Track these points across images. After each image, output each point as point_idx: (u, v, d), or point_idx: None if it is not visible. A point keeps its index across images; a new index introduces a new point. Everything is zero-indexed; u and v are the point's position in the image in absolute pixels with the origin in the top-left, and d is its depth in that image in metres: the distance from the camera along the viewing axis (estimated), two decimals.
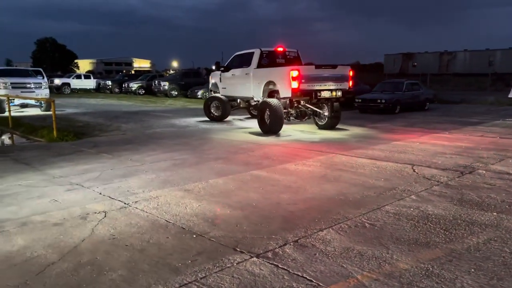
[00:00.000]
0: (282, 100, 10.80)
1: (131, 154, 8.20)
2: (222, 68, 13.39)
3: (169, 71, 71.18)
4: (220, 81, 13.63)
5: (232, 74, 12.95)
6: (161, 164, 7.21)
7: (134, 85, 31.62)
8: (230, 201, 5.22)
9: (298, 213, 4.75)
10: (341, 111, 11.84)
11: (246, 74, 12.17)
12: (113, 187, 5.84)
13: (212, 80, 14.58)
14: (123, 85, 32.50)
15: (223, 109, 13.58)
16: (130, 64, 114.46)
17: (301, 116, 11.54)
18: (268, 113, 10.69)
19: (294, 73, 10.35)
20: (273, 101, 10.70)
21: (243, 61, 12.59)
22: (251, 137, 10.20)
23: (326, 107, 11.47)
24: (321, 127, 11.77)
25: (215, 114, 13.81)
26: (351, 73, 11.28)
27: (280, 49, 12.46)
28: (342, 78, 11.08)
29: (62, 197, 5.45)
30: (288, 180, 6.10)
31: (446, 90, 32.08)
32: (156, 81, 29.09)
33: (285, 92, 10.65)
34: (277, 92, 11.15)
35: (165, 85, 28.04)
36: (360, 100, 16.52)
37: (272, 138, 10.07)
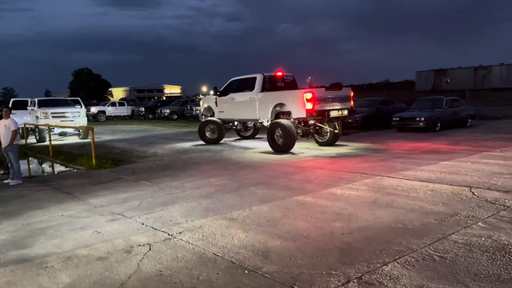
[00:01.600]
0: (291, 121, 11.52)
1: (170, 180, 8.12)
2: (218, 93, 13.90)
3: (199, 95, 72.60)
4: (216, 105, 14.16)
5: (232, 98, 13.47)
6: (202, 191, 7.06)
7: (166, 111, 32.20)
8: (279, 230, 4.90)
9: (355, 244, 4.36)
10: (377, 130, 12.11)
11: (251, 98, 12.79)
12: (155, 217, 5.66)
13: (204, 105, 14.99)
14: (156, 111, 33.17)
15: (219, 132, 14.02)
16: (161, 90, 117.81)
17: (306, 135, 12.30)
18: (280, 133, 11.42)
19: (308, 96, 11.15)
20: (285, 121, 11.39)
21: (244, 86, 13.19)
22: (271, 157, 10.67)
23: (326, 125, 12.29)
24: (321, 144, 12.61)
25: (210, 137, 14.15)
26: (352, 94, 12.31)
27: (280, 73, 13.25)
28: (346, 98, 12.03)
29: (105, 228, 5.30)
30: (337, 207, 5.74)
31: (484, 105, 30.80)
32: (188, 106, 29.50)
33: (298, 113, 11.35)
34: (285, 113, 11.95)
35: (197, 109, 28.38)
36: (397, 119, 15.98)
37: (293, 157, 10.47)
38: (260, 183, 7.52)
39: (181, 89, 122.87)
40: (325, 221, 5.17)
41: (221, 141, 14.33)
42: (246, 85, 13.29)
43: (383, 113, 18.27)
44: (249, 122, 14.01)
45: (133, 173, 9.19)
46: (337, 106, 11.80)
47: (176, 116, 31.58)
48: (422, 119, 15.35)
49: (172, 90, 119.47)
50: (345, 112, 11.92)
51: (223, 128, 14.10)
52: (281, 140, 11.48)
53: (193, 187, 7.38)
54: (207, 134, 14.26)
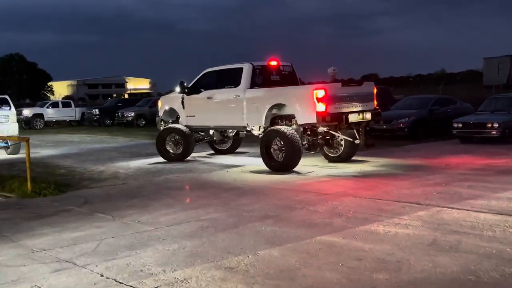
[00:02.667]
0: (294, 127, 11.92)
1: (138, 213, 8.12)
2: (187, 90, 14.19)
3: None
4: (183, 107, 14.45)
5: (208, 98, 13.80)
6: (184, 228, 7.06)
7: (130, 114, 32.42)
8: (298, 285, 4.87)
9: None
10: (431, 140, 12.29)
11: (236, 96, 13.09)
12: (119, 265, 5.64)
13: (165, 107, 15.28)
14: (116, 114, 33.43)
15: (185, 144, 14.20)
16: (122, 85, 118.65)
17: (314, 147, 12.58)
18: (280, 144, 11.72)
19: (320, 93, 11.40)
20: (287, 129, 11.74)
21: (225, 80, 13.71)
22: (273, 179, 10.94)
23: (340, 134, 12.47)
24: (332, 159, 12.93)
25: (173, 152, 14.43)
26: (375, 90, 12.75)
27: (274, 62, 13.66)
28: (368, 97, 12.51)
29: (48, 281, 5.27)
30: (379, 251, 5.73)
31: None
32: None
33: (305, 117, 11.72)
34: (284, 118, 12.43)
35: None
36: (460, 125, 16.04)
37: (302, 179, 10.74)
38: (267, 216, 7.52)
39: (150, 83, 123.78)
40: (364, 271, 5.15)
41: (189, 157, 14.53)
42: (228, 79, 13.58)
43: (439, 116, 18.40)
44: (231, 131, 14.45)
45: (85, 202, 9.19)
46: (358, 107, 12.18)
47: (144, 122, 31.71)
48: (496, 125, 15.42)
49: (139, 84, 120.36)
50: (368, 116, 12.28)
51: (192, 139, 14.35)
52: (281, 154, 11.77)
53: (171, 223, 7.37)
54: (169, 147, 14.52)
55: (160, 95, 51.81)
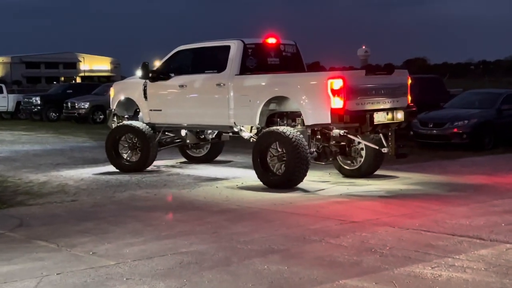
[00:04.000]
0: (300, 129, 12.09)
1: (93, 241, 8.09)
2: (151, 74, 14.28)
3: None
4: (146, 98, 14.53)
5: (180, 86, 13.97)
6: (157, 263, 7.02)
7: (84, 105, 32.40)
8: None
9: None
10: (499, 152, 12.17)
11: (220, 84, 13.16)
12: None
13: (119, 96, 15.32)
14: (65, 104, 33.42)
15: (145, 149, 14.26)
16: (74, 65, 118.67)
17: (325, 156, 12.67)
18: (281, 152, 11.88)
19: (336, 84, 11.45)
20: (289, 130, 11.80)
21: (205, 62, 14.08)
22: (275, 198, 11.08)
23: (361, 140, 12.59)
24: (349, 173, 13.14)
25: (129, 158, 14.66)
26: (409, 82, 12.97)
27: (273, 40, 13.71)
28: (400, 90, 12.70)
29: None
30: None
31: None
32: None
33: (315, 116, 11.81)
34: (286, 116, 12.71)
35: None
36: None
37: (314, 198, 11.06)
38: (271, 250, 7.50)
39: (112, 63, 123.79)
40: None
41: (151, 167, 14.63)
42: (210, 61, 13.80)
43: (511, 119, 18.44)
44: (210, 132, 14.58)
45: (21, 225, 9.16)
46: (386, 104, 12.31)
47: (102, 116, 31.63)
48: None
49: (96, 65, 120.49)
50: (399, 116, 12.35)
51: (155, 142, 14.41)
52: (281, 165, 11.90)
53: (139, 256, 7.34)
54: (124, 152, 14.61)
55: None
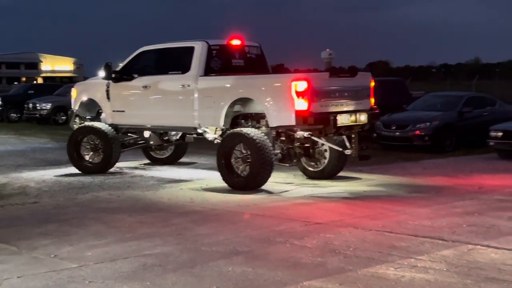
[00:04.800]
0: (264, 131, 12.13)
1: (55, 244, 8.02)
2: (114, 75, 14.32)
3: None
4: (108, 98, 14.54)
5: (144, 87, 13.97)
6: (120, 266, 6.99)
7: (46, 106, 32.08)
8: None
9: None
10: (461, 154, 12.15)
11: (184, 85, 13.22)
12: None
13: (82, 97, 15.23)
14: (26, 105, 33.02)
15: (107, 150, 14.23)
16: (35, 65, 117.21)
17: (289, 158, 12.77)
18: (246, 154, 11.90)
19: (301, 86, 11.51)
20: (254, 132, 11.87)
21: (169, 63, 14.12)
22: (240, 199, 11.08)
23: (324, 141, 12.68)
24: (313, 174, 13.26)
25: (91, 160, 14.59)
26: (372, 84, 13.08)
27: (237, 42, 13.81)
28: (363, 93, 12.83)
29: None
30: None
31: None
32: None
33: (280, 118, 11.89)
34: (251, 117, 12.73)
35: None
36: (499, 134, 16.28)
37: (279, 200, 11.11)
38: (236, 252, 7.51)
39: (75, 64, 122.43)
40: None
41: (114, 169, 14.61)
42: (174, 62, 13.81)
43: (472, 122, 18.80)
44: (174, 133, 14.61)
45: None
46: (350, 106, 12.46)
47: (65, 117, 31.33)
48: None
49: (58, 65, 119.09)
50: (362, 118, 12.53)
51: (118, 143, 14.41)
52: (245, 167, 11.97)
53: (102, 259, 7.29)
54: (86, 154, 14.52)
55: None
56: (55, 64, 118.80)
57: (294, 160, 12.93)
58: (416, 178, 13.20)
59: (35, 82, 73.56)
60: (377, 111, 13.09)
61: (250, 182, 11.79)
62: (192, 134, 13.97)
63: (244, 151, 11.87)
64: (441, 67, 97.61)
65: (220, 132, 12.79)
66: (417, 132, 18.04)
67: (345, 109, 12.31)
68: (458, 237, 8.11)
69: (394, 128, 18.35)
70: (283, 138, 12.39)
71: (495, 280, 6.36)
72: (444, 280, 6.38)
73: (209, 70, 13.11)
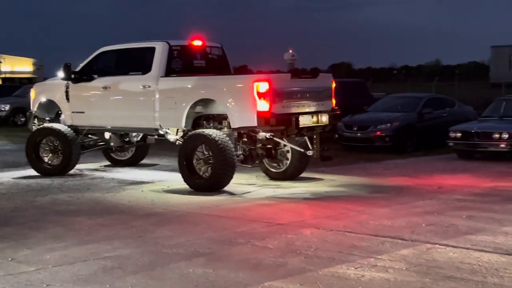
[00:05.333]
0: (226, 132, 12.16)
1: (12, 247, 7.94)
2: (74, 76, 14.18)
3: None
4: (68, 99, 14.42)
5: (104, 87, 13.95)
6: (79, 269, 6.92)
7: (5, 107, 31.76)
8: None
9: None
10: (421, 155, 12.32)
11: (145, 86, 13.18)
12: None
13: (40, 98, 15.11)
14: None
15: (66, 152, 14.11)
16: None
17: (252, 159, 12.79)
18: (207, 155, 11.94)
19: (262, 87, 11.59)
20: (216, 133, 11.87)
21: (129, 64, 14.12)
22: (202, 201, 11.10)
23: (287, 142, 12.76)
24: (275, 175, 13.33)
25: (50, 162, 14.45)
26: (334, 85, 13.25)
27: (198, 42, 13.82)
28: (324, 94, 12.98)
29: None
30: None
31: None
32: None
33: (242, 119, 11.95)
34: (213, 118, 12.74)
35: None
36: (459, 135, 16.51)
37: (241, 201, 11.18)
38: (197, 254, 7.50)
39: (35, 65, 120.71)
40: None
41: (74, 171, 14.46)
42: (134, 63, 13.79)
43: (432, 123, 19.02)
44: (135, 135, 14.54)
45: None
46: (311, 107, 12.62)
47: (24, 118, 31.05)
48: (505, 136, 15.92)
49: (17, 66, 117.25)
50: (324, 119, 12.65)
51: (77, 145, 14.30)
52: (207, 168, 12.00)
53: (60, 262, 7.23)
54: (45, 156, 14.40)
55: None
56: (15, 65, 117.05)
57: (256, 161, 12.94)
58: (377, 179, 13.32)
59: None
60: (338, 112, 13.22)
61: (212, 184, 11.78)
62: (153, 135, 13.91)
63: (206, 153, 11.85)
64: (402, 69, 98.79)
65: (181, 134, 12.74)
66: (378, 133, 18.19)
67: (307, 110, 12.41)
68: (417, 236, 8.21)
69: (355, 129, 18.48)
70: (245, 139, 12.42)
71: (453, 278, 6.43)
72: (403, 279, 6.43)
73: (170, 71, 13.07)
